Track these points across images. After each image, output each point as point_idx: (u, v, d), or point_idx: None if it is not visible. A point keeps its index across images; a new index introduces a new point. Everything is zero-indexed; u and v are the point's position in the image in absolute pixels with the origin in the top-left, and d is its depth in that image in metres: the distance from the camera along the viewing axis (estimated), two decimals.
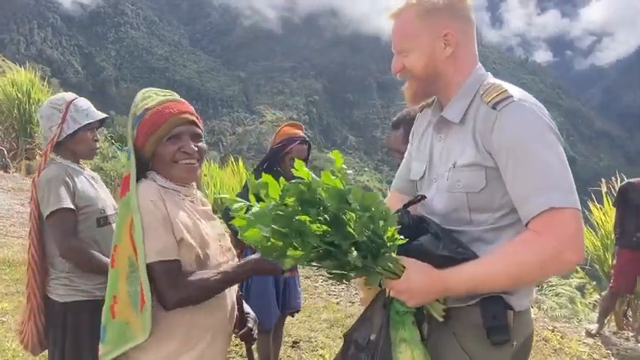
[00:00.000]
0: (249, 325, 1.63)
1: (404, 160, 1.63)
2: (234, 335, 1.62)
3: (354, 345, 1.32)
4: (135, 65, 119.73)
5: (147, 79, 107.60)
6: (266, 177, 1.19)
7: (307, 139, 2.84)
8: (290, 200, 1.17)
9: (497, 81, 1.32)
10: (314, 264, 1.22)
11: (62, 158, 2.20)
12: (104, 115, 2.31)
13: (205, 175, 8.47)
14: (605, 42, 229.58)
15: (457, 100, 1.33)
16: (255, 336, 1.67)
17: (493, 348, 1.25)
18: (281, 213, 1.16)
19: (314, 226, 1.14)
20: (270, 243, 1.16)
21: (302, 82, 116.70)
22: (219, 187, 8.25)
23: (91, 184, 2.24)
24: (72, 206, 2.08)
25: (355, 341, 1.31)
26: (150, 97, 1.52)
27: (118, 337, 1.47)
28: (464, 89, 1.33)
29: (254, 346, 1.92)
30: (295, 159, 1.23)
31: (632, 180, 4.29)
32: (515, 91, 1.25)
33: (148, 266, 1.41)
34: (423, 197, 1.40)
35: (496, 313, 1.24)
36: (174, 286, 1.41)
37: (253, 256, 1.50)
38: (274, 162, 2.82)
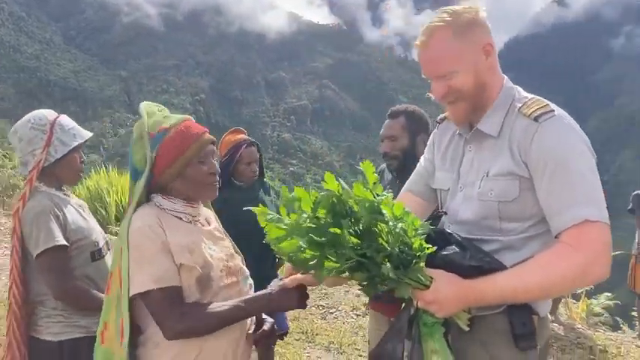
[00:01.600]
0: (265, 327, 1.69)
1: (422, 165, 1.76)
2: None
3: (379, 353, 1.42)
4: (1, 64, 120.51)
5: (15, 79, 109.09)
6: (298, 191, 1.32)
7: (253, 140, 2.91)
8: (322, 212, 1.28)
9: (535, 96, 1.47)
10: (345, 275, 1.32)
11: (46, 186, 2.08)
12: (91, 134, 2.21)
13: (103, 183, 7.95)
14: None
15: (493, 113, 1.47)
16: (273, 341, 1.76)
17: (520, 353, 1.39)
18: (314, 225, 1.27)
19: (348, 238, 1.26)
20: (304, 254, 1.28)
21: (187, 81, 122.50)
22: (120, 195, 7.79)
23: (79, 213, 2.16)
24: (65, 243, 1.99)
25: (387, 356, 1.40)
26: (163, 115, 1.56)
27: None
28: (499, 102, 1.47)
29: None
30: (327, 176, 1.28)
31: None
32: (554, 107, 1.41)
33: (146, 294, 1.43)
34: (445, 213, 1.58)
35: (525, 320, 1.39)
36: (175, 315, 1.44)
37: (266, 291, 1.53)
38: (228, 175, 2.85)
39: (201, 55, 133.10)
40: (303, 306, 1.54)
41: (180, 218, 1.58)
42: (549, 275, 1.30)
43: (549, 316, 1.51)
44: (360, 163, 1.35)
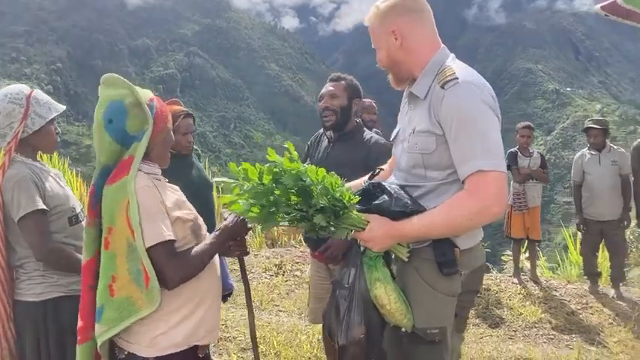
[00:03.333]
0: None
1: None
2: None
3: (339, 287, 1.96)
4: None
5: None
6: (245, 165, 1.83)
7: (189, 111, 3.13)
8: (267, 179, 1.80)
9: (452, 64, 1.86)
10: (292, 226, 1.85)
11: (23, 156, 2.32)
12: (64, 107, 2.49)
13: None
14: (344, 9, 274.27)
15: (421, 79, 1.89)
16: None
17: (446, 277, 1.84)
18: (260, 190, 1.79)
19: (292, 198, 1.78)
20: (252, 213, 1.80)
21: (40, 49, 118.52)
22: None
23: (57, 182, 2.41)
24: (45, 207, 2.24)
25: (339, 283, 1.96)
26: (135, 88, 1.85)
27: (120, 313, 1.76)
28: (426, 70, 1.88)
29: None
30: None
31: None
32: (462, 73, 1.79)
33: (149, 249, 1.74)
34: (381, 169, 2.09)
35: (445, 251, 1.83)
36: (175, 267, 1.78)
37: (222, 224, 1.98)
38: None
39: (54, 21, 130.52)
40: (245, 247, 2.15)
41: (159, 180, 1.91)
42: (451, 216, 1.76)
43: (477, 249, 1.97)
44: (287, 143, 1.89)
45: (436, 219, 1.80)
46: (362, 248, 1.98)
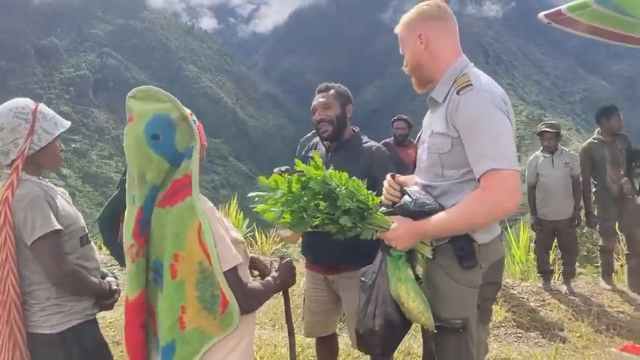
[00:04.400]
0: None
1: None
2: None
3: (361, 285, 2.17)
4: None
5: None
6: (275, 176, 2.04)
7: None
8: (296, 187, 2.00)
9: (468, 71, 2.02)
10: (320, 230, 2.03)
11: (28, 174, 2.18)
12: (69, 123, 2.37)
13: None
14: (263, 10, 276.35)
15: (441, 85, 2.06)
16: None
17: (465, 270, 1.99)
18: (290, 197, 2.00)
19: (320, 203, 1.97)
20: (284, 219, 2.00)
21: None
22: None
23: (66, 200, 2.31)
24: (61, 227, 2.11)
25: (363, 282, 2.16)
26: (179, 102, 1.77)
27: (192, 347, 1.69)
28: (445, 76, 2.05)
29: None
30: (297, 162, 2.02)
31: None
32: (477, 81, 1.95)
33: (226, 272, 1.71)
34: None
35: (462, 246, 1.98)
36: (248, 294, 1.80)
37: (282, 278, 2.07)
38: None
39: None
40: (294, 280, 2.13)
41: None
42: (467, 212, 1.90)
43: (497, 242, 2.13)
44: (312, 152, 2.15)
45: (453, 216, 1.94)
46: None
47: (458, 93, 1.97)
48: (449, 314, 2.03)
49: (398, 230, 2.02)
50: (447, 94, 2.04)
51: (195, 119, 1.83)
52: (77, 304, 2.23)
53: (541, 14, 4.75)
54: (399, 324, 2.09)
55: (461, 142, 1.97)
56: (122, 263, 3.13)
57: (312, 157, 2.10)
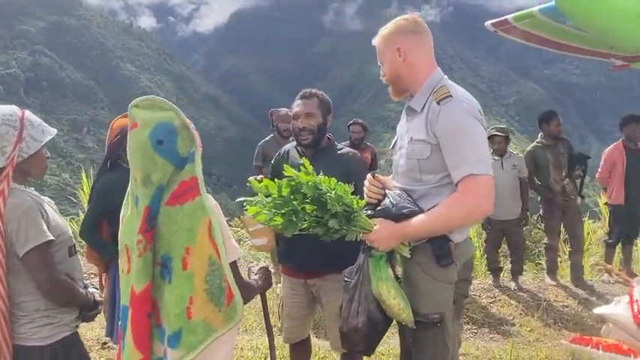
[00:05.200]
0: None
1: None
2: None
3: (345, 284, 2.29)
4: None
5: None
6: (266, 181, 2.13)
7: None
8: (285, 191, 2.09)
9: (446, 83, 2.17)
10: (308, 232, 2.14)
11: (14, 182, 2.11)
12: (55, 131, 2.31)
13: None
14: (203, 9, 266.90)
15: (419, 95, 2.19)
16: None
17: (442, 268, 2.12)
18: (280, 201, 2.09)
19: (307, 207, 2.06)
20: (275, 221, 2.10)
21: None
22: None
23: (54, 210, 2.27)
24: (53, 238, 2.08)
25: (346, 282, 2.28)
26: (179, 110, 1.86)
27: (197, 337, 1.79)
28: (424, 88, 2.19)
29: None
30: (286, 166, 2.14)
31: None
32: (455, 92, 2.11)
33: (230, 265, 1.86)
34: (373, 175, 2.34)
35: (441, 245, 2.11)
36: (245, 287, 1.97)
37: (258, 284, 2.19)
38: (117, 157, 3.25)
39: None
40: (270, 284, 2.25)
41: None
42: (447, 215, 2.03)
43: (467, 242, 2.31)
44: (303, 159, 2.19)
45: (433, 219, 2.07)
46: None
47: (438, 103, 2.11)
48: (427, 309, 2.16)
49: (380, 232, 2.14)
50: (425, 104, 2.18)
51: (194, 127, 1.94)
52: (66, 315, 2.22)
53: (488, 23, 4.95)
54: (380, 321, 2.20)
55: (439, 149, 2.10)
56: (109, 258, 3.35)
57: (301, 165, 2.19)
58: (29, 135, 2.16)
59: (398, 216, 2.14)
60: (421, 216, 2.11)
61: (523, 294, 6.09)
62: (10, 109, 2.18)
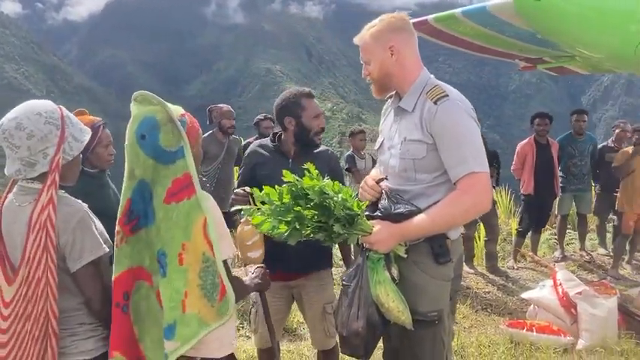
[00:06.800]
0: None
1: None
2: None
3: (343, 288, 2.21)
4: None
5: None
6: (267, 189, 2.07)
7: (104, 121, 2.82)
8: (287, 198, 2.04)
9: (438, 82, 2.16)
10: (311, 237, 2.08)
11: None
12: (90, 130, 2.03)
13: None
14: None
15: (409, 95, 2.16)
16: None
17: (440, 266, 2.13)
18: (281, 209, 2.05)
19: (307, 212, 2.01)
20: (279, 230, 2.04)
21: None
22: None
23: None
24: (108, 249, 1.90)
25: (345, 285, 2.20)
26: (167, 104, 1.85)
27: (190, 329, 1.82)
28: (414, 87, 2.16)
29: None
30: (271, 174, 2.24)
31: None
32: (450, 92, 2.10)
33: (223, 262, 1.87)
34: (386, 178, 2.25)
35: (440, 243, 2.11)
36: (237, 283, 1.97)
37: (255, 282, 2.24)
38: (84, 161, 2.54)
39: None
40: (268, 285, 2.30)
41: None
42: (449, 213, 2.04)
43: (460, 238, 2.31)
44: (307, 164, 2.10)
45: (435, 217, 2.06)
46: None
47: (435, 102, 2.08)
48: (426, 308, 2.14)
49: (381, 234, 2.09)
50: (416, 104, 2.15)
51: (187, 120, 1.93)
52: (105, 329, 1.95)
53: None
54: (379, 325, 2.15)
55: (435, 149, 2.09)
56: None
57: (253, 167, 2.31)
58: (71, 134, 1.87)
59: (398, 216, 2.10)
60: (422, 215, 2.08)
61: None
62: (51, 105, 1.87)
